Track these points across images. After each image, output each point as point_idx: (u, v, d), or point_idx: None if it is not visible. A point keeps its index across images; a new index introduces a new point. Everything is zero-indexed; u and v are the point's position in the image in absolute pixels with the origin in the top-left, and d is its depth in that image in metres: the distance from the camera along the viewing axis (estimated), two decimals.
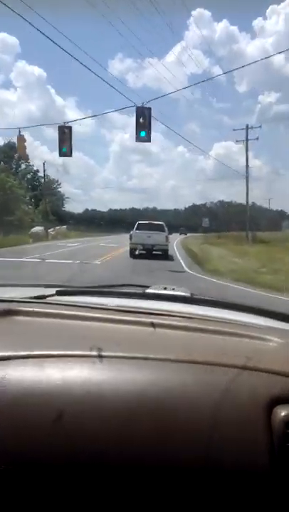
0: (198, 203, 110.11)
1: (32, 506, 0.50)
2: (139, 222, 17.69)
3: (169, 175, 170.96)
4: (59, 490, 0.50)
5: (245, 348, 0.67)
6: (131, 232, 16.95)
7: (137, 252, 16.31)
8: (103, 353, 0.61)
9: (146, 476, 0.50)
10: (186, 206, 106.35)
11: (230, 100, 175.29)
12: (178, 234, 42.89)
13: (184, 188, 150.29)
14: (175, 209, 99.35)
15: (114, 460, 0.51)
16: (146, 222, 17.98)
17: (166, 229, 17.51)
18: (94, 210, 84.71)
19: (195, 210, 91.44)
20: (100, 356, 0.60)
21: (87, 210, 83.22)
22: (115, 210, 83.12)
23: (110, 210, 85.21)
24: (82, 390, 0.55)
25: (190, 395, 0.55)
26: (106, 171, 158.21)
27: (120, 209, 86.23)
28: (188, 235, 53.36)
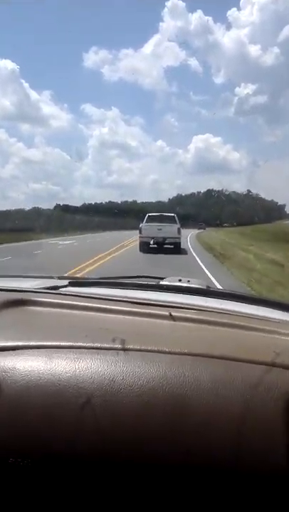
0: (183, 193, 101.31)
1: (66, 497, 0.49)
2: (149, 214, 17.13)
3: (149, 169, 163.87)
4: (88, 481, 0.49)
5: (271, 345, 0.64)
6: (140, 225, 16.26)
7: (151, 244, 15.33)
8: (116, 346, 0.59)
9: (159, 473, 0.49)
10: (170, 197, 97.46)
11: (208, 92, 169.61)
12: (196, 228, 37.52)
13: (164, 181, 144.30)
14: (158, 201, 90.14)
15: (125, 457, 0.49)
16: (157, 214, 17.32)
17: (177, 221, 16.66)
18: (66, 206, 75.02)
19: (181, 201, 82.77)
20: (124, 349, 0.59)
21: (58, 205, 73.70)
22: (89, 205, 73.44)
23: (84, 204, 75.50)
24: (93, 384, 0.53)
25: (215, 391, 0.52)
26: (85, 166, 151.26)
27: (95, 203, 76.76)
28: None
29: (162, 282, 1.14)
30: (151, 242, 15.57)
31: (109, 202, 76.35)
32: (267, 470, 0.48)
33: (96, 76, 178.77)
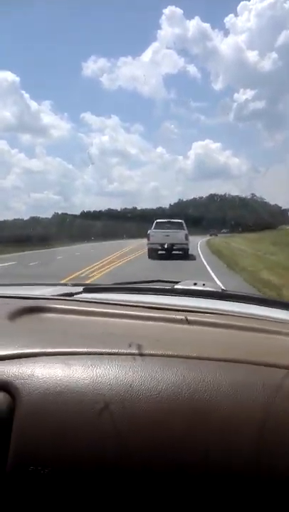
0: (184, 199, 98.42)
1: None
2: (157, 220, 17.28)
3: (150, 176, 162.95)
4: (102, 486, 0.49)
5: None
6: (149, 232, 16.37)
7: (159, 251, 15.66)
8: (133, 351, 0.59)
9: (176, 479, 0.48)
10: (172, 203, 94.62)
11: (207, 99, 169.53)
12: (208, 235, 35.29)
13: (165, 188, 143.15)
14: (159, 207, 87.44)
15: (144, 463, 0.49)
16: (165, 220, 17.52)
17: (185, 227, 16.83)
18: (64, 214, 72.60)
19: (183, 207, 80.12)
20: (141, 354, 0.58)
21: (56, 214, 71.28)
22: (88, 213, 70.96)
23: (83, 212, 73.03)
24: (111, 390, 0.52)
25: (235, 396, 0.51)
26: (86, 175, 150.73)
27: (94, 211, 74.21)
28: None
29: (177, 286, 1.12)
30: (161, 248, 15.65)
31: (109, 209, 74.04)
32: (287, 476, 0.47)
33: (95, 85, 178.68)
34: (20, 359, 0.57)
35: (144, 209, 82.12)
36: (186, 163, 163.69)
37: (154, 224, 16.97)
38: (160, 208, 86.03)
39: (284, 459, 0.47)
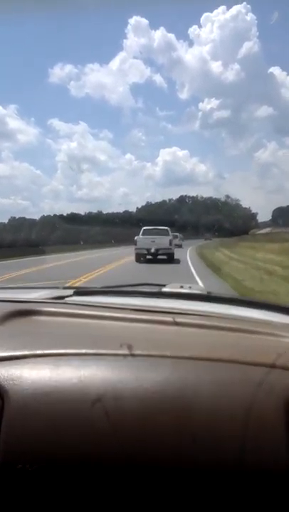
0: (153, 201, 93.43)
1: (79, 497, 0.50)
2: (144, 228, 18.41)
3: (119, 182, 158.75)
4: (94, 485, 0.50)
5: (272, 347, 0.65)
6: (136, 238, 17.53)
7: (146, 256, 16.84)
8: (120, 352, 0.60)
9: (162, 475, 0.49)
10: (138, 206, 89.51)
11: (173, 107, 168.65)
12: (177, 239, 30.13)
13: (134, 194, 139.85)
14: (125, 211, 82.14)
15: (130, 461, 0.50)
16: (151, 227, 18.53)
17: (170, 233, 18.12)
18: (22, 218, 66.25)
19: (151, 210, 75.26)
20: (131, 355, 0.59)
21: (13, 218, 64.89)
22: (48, 218, 64.97)
23: (43, 217, 66.94)
24: (98, 390, 0.54)
25: (217, 393, 0.53)
26: (54, 181, 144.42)
27: (55, 215, 68.24)
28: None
29: (164, 289, 1.14)
30: (148, 253, 16.74)
31: (72, 213, 68.29)
32: (270, 470, 0.49)
33: (62, 91, 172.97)
34: (10, 361, 0.58)
35: (111, 213, 77.18)
36: (155, 170, 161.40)
37: (141, 230, 18.04)
38: (127, 211, 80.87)
39: (267, 453, 0.49)
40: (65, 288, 1.32)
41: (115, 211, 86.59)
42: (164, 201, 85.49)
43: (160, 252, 16.88)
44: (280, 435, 0.50)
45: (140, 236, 17.59)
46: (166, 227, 18.73)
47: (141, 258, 16.78)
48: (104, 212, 75.84)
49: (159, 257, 16.76)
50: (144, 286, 1.27)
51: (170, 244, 17.32)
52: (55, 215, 67.17)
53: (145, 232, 17.87)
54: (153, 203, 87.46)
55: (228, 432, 0.50)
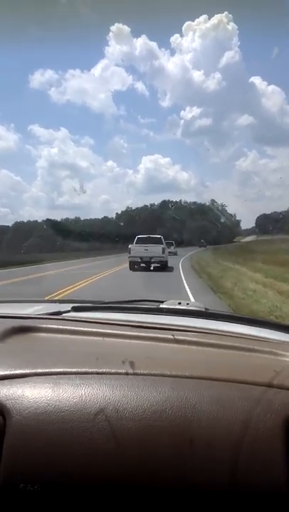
0: (133, 206, 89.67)
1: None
2: (138, 236, 18.84)
3: (101, 189, 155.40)
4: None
5: (269, 365, 0.66)
6: (129, 246, 17.95)
7: (140, 264, 17.15)
8: (121, 370, 0.61)
9: (162, 494, 0.50)
10: (118, 212, 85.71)
11: (155, 115, 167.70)
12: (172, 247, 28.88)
13: (116, 201, 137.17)
14: (104, 217, 78.24)
15: (130, 480, 0.50)
16: (145, 236, 18.89)
17: (163, 241, 18.43)
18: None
19: (131, 216, 71.73)
20: (133, 374, 0.60)
21: None
22: (21, 224, 60.77)
23: (16, 223, 62.62)
24: (99, 409, 0.54)
25: (216, 413, 0.54)
26: (34, 188, 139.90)
27: (28, 221, 64.06)
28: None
29: (162, 305, 1.16)
30: (141, 261, 17.11)
31: (47, 220, 64.20)
32: (265, 487, 0.49)
33: (43, 97, 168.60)
34: (11, 380, 0.59)
35: (89, 219, 73.43)
36: (137, 177, 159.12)
37: (135, 239, 18.45)
38: (106, 217, 77.07)
39: (261, 470, 0.49)
40: (61, 302, 1.30)
41: (93, 217, 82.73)
42: (145, 206, 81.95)
43: (153, 260, 17.21)
44: (276, 452, 0.50)
45: (134, 245, 18.02)
46: (159, 236, 19.22)
47: (135, 266, 17.13)
48: (82, 218, 72.19)
49: (153, 265, 17.06)
50: (142, 302, 1.27)
51: (163, 252, 17.57)
52: (29, 221, 63.05)
53: (139, 241, 18.31)
54: (133, 208, 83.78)
55: (225, 451, 0.50)
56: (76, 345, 0.77)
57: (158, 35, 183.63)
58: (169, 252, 19.63)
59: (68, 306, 1.14)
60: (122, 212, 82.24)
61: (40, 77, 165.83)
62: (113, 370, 0.60)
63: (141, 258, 17.16)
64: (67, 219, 69.86)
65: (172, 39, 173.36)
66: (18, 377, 0.59)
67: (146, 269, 16.82)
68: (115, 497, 0.50)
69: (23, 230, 52.05)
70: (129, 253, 17.70)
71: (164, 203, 78.77)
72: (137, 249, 17.52)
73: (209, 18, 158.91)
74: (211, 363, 0.68)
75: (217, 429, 0.52)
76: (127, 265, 17.51)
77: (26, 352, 0.72)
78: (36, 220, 63.82)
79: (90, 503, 0.50)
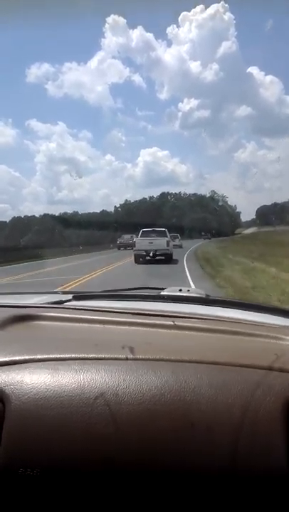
0: (132, 199, 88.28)
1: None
2: (143, 229, 18.86)
3: (99, 183, 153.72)
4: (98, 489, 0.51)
5: (270, 349, 0.66)
6: (135, 239, 18.56)
7: (146, 258, 17.06)
8: (121, 355, 0.61)
9: (161, 477, 0.50)
10: (117, 205, 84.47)
11: (153, 107, 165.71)
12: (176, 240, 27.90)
13: (115, 195, 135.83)
14: (103, 210, 77.06)
15: (130, 464, 0.51)
16: (150, 229, 18.96)
17: (168, 234, 18.45)
18: None
19: (130, 209, 70.81)
20: (126, 359, 0.60)
21: None
22: (18, 219, 59.81)
23: (14, 218, 61.67)
24: (97, 394, 0.54)
25: (215, 396, 0.54)
26: (33, 183, 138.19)
27: (25, 216, 63.01)
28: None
29: (163, 293, 1.15)
30: (146, 254, 17.06)
31: (44, 215, 63.18)
32: (266, 470, 0.49)
33: (40, 92, 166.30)
34: (11, 366, 0.59)
35: (87, 213, 72.31)
36: (135, 170, 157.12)
37: (140, 233, 18.63)
38: (104, 210, 75.88)
39: (261, 453, 0.50)
40: (64, 293, 1.31)
41: (91, 211, 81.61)
42: (144, 199, 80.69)
43: (158, 252, 17.18)
44: (275, 435, 0.50)
45: (139, 238, 18.17)
46: (163, 229, 19.07)
47: (140, 259, 17.16)
48: (81, 212, 71.05)
49: (157, 257, 16.98)
50: (143, 290, 1.27)
51: (168, 245, 17.57)
52: (26, 216, 62.05)
53: (143, 234, 18.36)
54: (132, 201, 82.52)
55: (225, 434, 0.51)
56: (76, 332, 0.77)
57: (154, 26, 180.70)
58: (174, 245, 19.33)
59: (70, 296, 1.13)
60: (120, 205, 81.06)
61: (36, 71, 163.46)
62: (113, 356, 0.60)
63: (146, 251, 17.11)
64: (65, 213, 68.97)
65: (169, 30, 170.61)
66: (17, 364, 0.59)
67: (151, 261, 16.55)
68: (115, 481, 0.50)
69: (21, 225, 51.16)
70: (134, 246, 17.83)
71: (164, 195, 77.58)
72: (142, 243, 17.54)
73: (206, 8, 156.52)
74: (211, 347, 0.68)
75: (217, 413, 0.52)
76: (126, 260, 17.36)
77: (26, 339, 0.72)
78: (34, 215, 62.89)
79: (90, 488, 0.50)
